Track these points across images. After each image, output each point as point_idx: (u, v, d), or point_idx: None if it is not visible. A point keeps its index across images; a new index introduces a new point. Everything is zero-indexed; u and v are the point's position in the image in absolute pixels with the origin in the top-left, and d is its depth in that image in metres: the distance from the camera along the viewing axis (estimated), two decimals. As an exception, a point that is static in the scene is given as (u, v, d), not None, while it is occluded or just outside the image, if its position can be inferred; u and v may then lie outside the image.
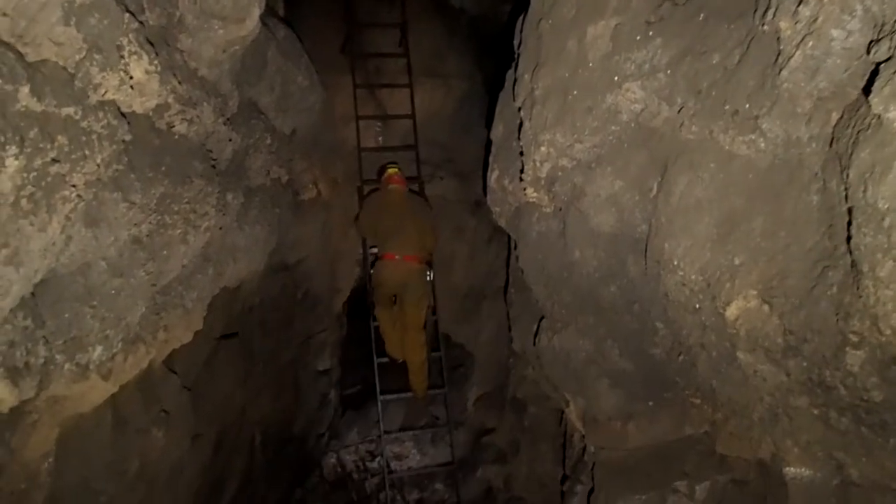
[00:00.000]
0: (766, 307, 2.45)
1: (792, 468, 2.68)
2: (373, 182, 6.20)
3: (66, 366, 2.31)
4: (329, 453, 6.66)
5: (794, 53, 2.10)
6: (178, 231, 2.95)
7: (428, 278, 5.46)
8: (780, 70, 2.16)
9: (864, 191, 1.84)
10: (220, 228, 3.53)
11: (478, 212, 6.86)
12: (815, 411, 2.47)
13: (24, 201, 1.83)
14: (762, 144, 2.34)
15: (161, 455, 3.32)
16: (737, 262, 2.47)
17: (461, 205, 6.90)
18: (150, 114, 2.67)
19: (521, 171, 3.48)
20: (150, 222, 2.65)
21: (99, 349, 2.44)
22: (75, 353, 2.35)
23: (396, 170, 5.54)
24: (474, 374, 6.80)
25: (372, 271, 5.43)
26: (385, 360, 5.52)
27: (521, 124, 3.48)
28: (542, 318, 4.21)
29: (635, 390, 3.61)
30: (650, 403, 3.59)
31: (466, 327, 6.89)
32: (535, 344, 4.23)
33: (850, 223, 1.97)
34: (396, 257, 5.23)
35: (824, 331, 2.25)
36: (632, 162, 2.90)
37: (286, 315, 5.60)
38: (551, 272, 3.74)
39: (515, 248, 4.33)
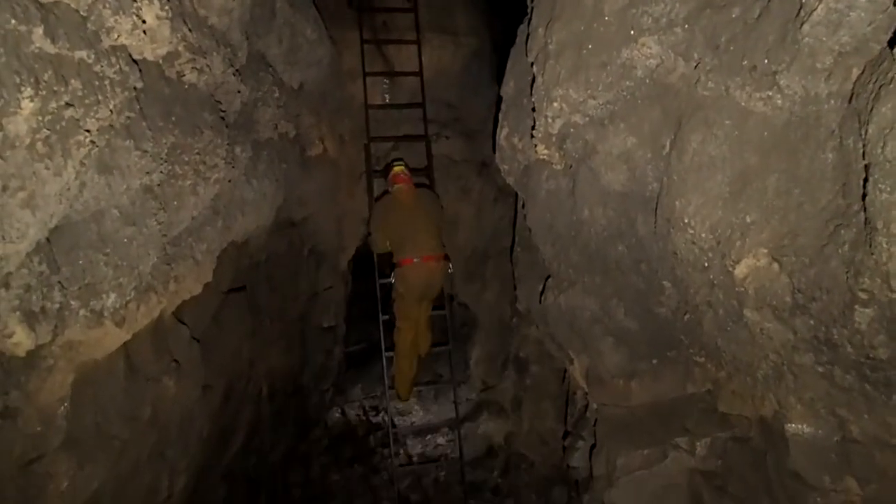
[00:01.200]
0: (775, 266, 2.46)
1: (793, 425, 2.72)
2: (379, 140, 6.18)
3: (81, 312, 2.34)
4: (333, 408, 6.78)
5: (817, 7, 2.06)
6: (189, 182, 2.95)
7: (449, 271, 5.30)
8: (802, 24, 2.12)
9: (883, 146, 1.82)
10: (229, 181, 3.53)
11: (484, 172, 6.83)
12: (820, 369, 2.50)
13: (39, 144, 1.83)
14: (779, 101, 2.32)
15: (172, 403, 3.39)
16: (748, 220, 2.47)
17: (467, 165, 6.86)
18: (161, 62, 2.64)
19: (533, 128, 3.45)
20: (161, 172, 2.65)
21: (112, 296, 2.46)
22: (90, 299, 2.37)
23: (402, 167, 5.38)
24: (477, 333, 6.87)
25: (393, 280, 5.18)
26: (388, 318, 5.56)
27: (533, 80, 3.43)
28: (549, 277, 4.23)
29: (639, 349, 3.65)
30: (654, 362, 3.63)
31: (471, 287, 6.94)
32: (540, 303, 4.26)
33: (866, 180, 1.96)
34: (416, 260, 5.04)
35: (833, 289, 2.26)
36: (645, 119, 2.87)
37: (292, 271, 5.64)
38: (559, 231, 3.74)
39: (523, 207, 4.33)
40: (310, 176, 5.39)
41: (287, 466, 5.75)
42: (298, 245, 5.75)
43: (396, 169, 5.36)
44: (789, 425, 2.74)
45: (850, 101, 2.10)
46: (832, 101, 2.19)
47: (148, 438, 3.24)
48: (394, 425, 5.43)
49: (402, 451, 6.03)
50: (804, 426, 2.70)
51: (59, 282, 2.22)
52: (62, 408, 2.49)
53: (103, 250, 2.39)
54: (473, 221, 6.91)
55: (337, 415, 6.72)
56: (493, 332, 6.51)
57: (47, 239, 2.17)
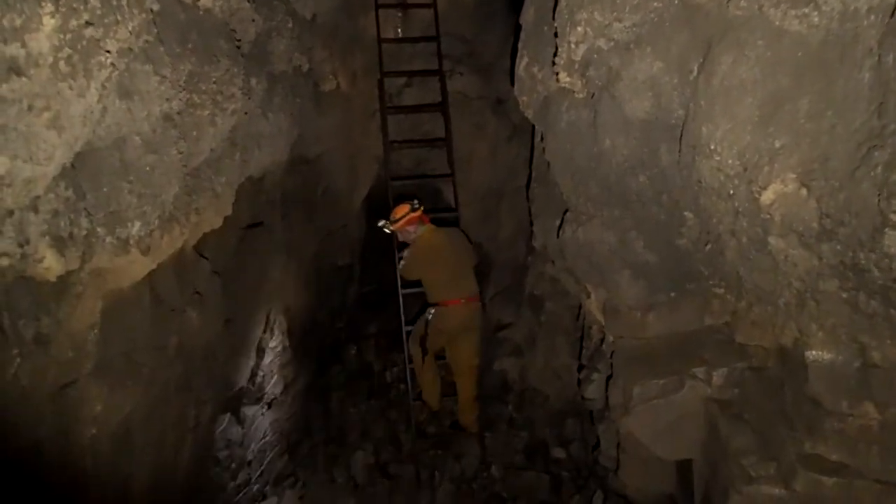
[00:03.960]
0: (804, 191, 2.42)
1: (814, 352, 2.74)
2: (392, 75, 6.08)
3: (108, 239, 2.35)
4: (349, 344, 6.89)
5: (862, -86, 1.96)
6: (207, 112, 2.92)
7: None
8: (844, -66, 2.03)
9: (927, 60, 1.76)
10: (246, 114, 3.49)
11: (498, 109, 6.72)
12: (844, 295, 2.50)
13: (62, 63, 1.80)
14: (816, 19, 2.24)
15: (196, 334, 3.45)
16: (777, 144, 2.42)
17: (482, 102, 6.75)
18: (175, -16, 2.57)
19: (554, 55, 3.36)
20: (179, 99, 2.62)
21: (137, 224, 2.48)
22: (115, 227, 2.38)
23: (418, 209, 5.09)
24: (493, 272, 6.90)
25: (430, 317, 5.10)
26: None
27: (555, 5, 3.33)
28: (566, 211, 4.21)
29: (658, 281, 3.65)
30: (672, 294, 3.64)
31: (485, 226, 6.93)
32: (558, 237, 4.25)
33: (905, 97, 1.91)
34: (462, 301, 5.03)
35: (863, 213, 2.23)
36: (673, 42, 2.79)
37: (308, 209, 5.65)
38: (579, 163, 3.70)
39: (542, 140, 4.27)
40: (323, 112, 5.33)
41: (306, 400, 5.89)
42: (313, 183, 5.73)
43: (414, 215, 5.06)
44: (809, 352, 2.75)
45: (891, 14, 2.02)
46: (872, 17, 2.11)
47: (175, 368, 3.31)
48: (410, 361, 5.51)
49: (419, 388, 6.14)
50: (824, 353, 2.71)
51: (86, 208, 2.23)
52: (92, 334, 2.55)
53: (127, 178, 2.39)
54: (488, 160, 6.85)
55: (353, 352, 6.83)
56: (508, 271, 6.54)
57: (72, 165, 2.16)
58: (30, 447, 2.32)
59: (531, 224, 5.28)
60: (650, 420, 3.51)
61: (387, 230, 5.15)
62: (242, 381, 4.49)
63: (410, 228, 5.10)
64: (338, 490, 5.04)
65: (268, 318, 4.88)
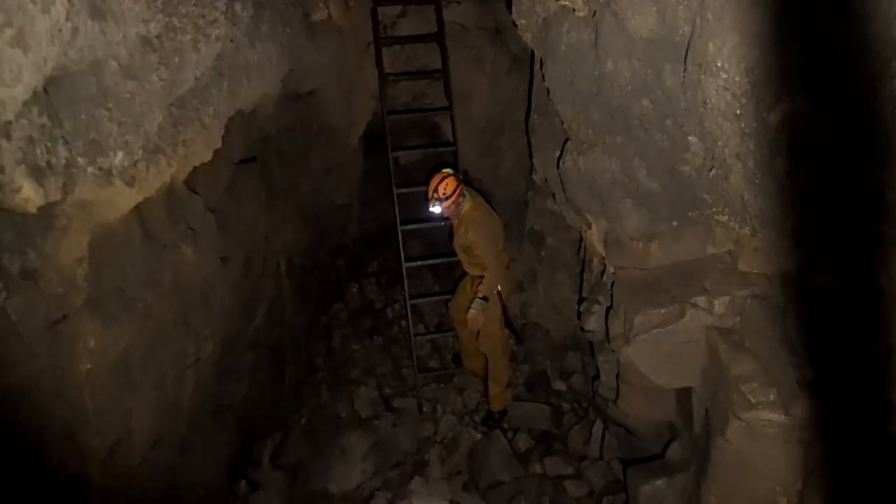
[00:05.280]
0: (814, 108, 2.31)
1: (818, 278, 2.69)
2: (386, 3, 5.86)
3: (89, 169, 2.27)
4: (351, 283, 6.88)
5: None
6: (189, 37, 2.79)
7: None
8: None
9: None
10: (232, 41, 3.35)
11: (497, 40, 6.49)
12: (850, 219, 2.42)
13: (21, -25, 1.68)
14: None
15: (192, 271, 3.41)
16: (787, 59, 2.30)
17: (480, 32, 6.51)
18: None
19: (554, -28, 3.19)
20: (157, 22, 2.49)
21: (120, 154, 2.39)
22: (96, 156, 2.30)
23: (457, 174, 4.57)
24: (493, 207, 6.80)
25: (499, 289, 4.56)
26: (405, 190, 5.47)
27: (554, -84, 3.14)
28: (566, 141, 4.09)
29: (660, 210, 3.58)
30: (674, 223, 3.57)
31: (485, 161, 6.80)
32: (558, 168, 4.15)
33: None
34: (511, 259, 4.85)
35: (876, 127, 2.13)
36: (679, -49, 2.63)
37: (303, 146, 5.52)
38: (580, 88, 3.56)
39: (541, 67, 4.11)
40: (315, 44, 5.13)
41: (309, 338, 5.92)
42: (308, 119, 5.58)
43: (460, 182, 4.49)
44: (813, 278, 2.70)
45: None
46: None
47: (171, 305, 3.28)
48: (411, 297, 5.50)
49: (420, 324, 6.16)
50: (830, 278, 2.66)
51: (63, 136, 2.14)
52: (81, 269, 2.50)
53: (105, 105, 2.29)
54: (487, 93, 6.66)
55: (354, 290, 6.83)
56: (509, 207, 6.44)
57: (45, 90, 2.06)
58: (25, 380, 2.31)
59: (531, 157, 5.16)
60: (651, 349, 3.49)
61: (440, 211, 4.44)
62: (244, 320, 4.48)
63: (460, 200, 4.47)
64: (342, 424, 5.11)
65: (266, 256, 4.84)
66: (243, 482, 4.47)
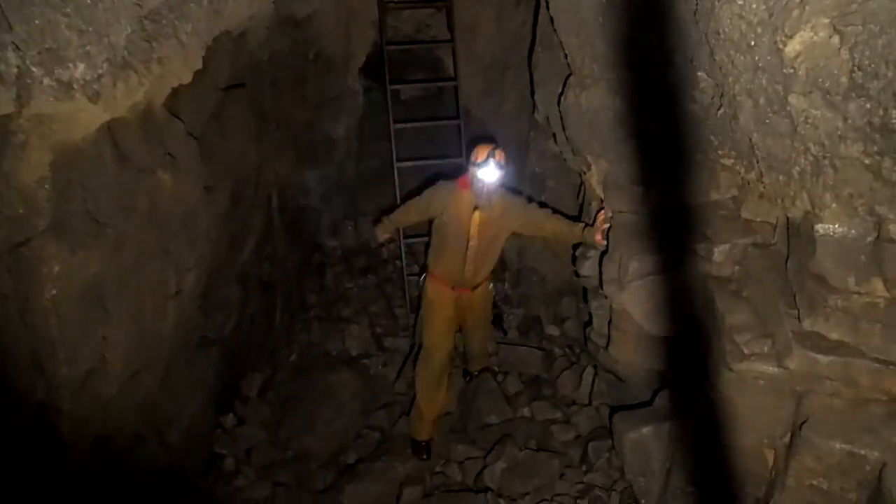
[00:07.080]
0: (835, 39, 2.11)
1: (825, 225, 2.53)
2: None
3: (46, 80, 2.11)
4: (346, 221, 6.75)
5: None
6: (161, -58, 2.57)
7: None
8: None
9: None
10: (212, -48, 3.11)
11: (505, -31, 6.14)
12: (867, 161, 2.25)
13: None
14: None
15: (171, 198, 3.26)
16: (811, -18, 2.08)
17: (488, -41, 6.15)
18: None
19: None
20: (123, -80, 2.27)
21: (81, 66, 2.22)
22: (54, 67, 2.13)
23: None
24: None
25: None
26: (403, 125, 5.27)
27: None
28: (569, 76, 3.88)
29: (663, 153, 3.40)
30: (677, 166, 3.40)
31: (488, 100, 6.54)
32: (559, 104, 3.95)
33: None
34: None
35: (902, 62, 1.94)
36: None
37: (298, 75, 5.30)
38: (585, 17, 3.33)
39: (547, -7, 3.86)
40: (311, -35, 4.85)
41: (302, 274, 5.84)
42: (303, 47, 5.34)
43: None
44: (820, 226, 2.55)
45: None
46: None
47: (149, 233, 3.15)
48: (406, 236, 5.38)
49: (415, 264, 6.06)
50: (836, 226, 2.51)
51: (14, 42, 1.97)
52: (43, 190, 2.37)
53: (63, 10, 2.10)
54: (492, 27, 6.33)
55: (349, 228, 6.71)
56: (510, 147, 6.22)
57: (-10, -11, 1.89)
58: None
59: (533, 95, 4.94)
60: (645, 296, 3.39)
61: (495, 180, 3.72)
62: (231, 252, 4.37)
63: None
64: (333, 361, 5.07)
65: (256, 188, 4.69)
66: (231, 415, 4.45)
